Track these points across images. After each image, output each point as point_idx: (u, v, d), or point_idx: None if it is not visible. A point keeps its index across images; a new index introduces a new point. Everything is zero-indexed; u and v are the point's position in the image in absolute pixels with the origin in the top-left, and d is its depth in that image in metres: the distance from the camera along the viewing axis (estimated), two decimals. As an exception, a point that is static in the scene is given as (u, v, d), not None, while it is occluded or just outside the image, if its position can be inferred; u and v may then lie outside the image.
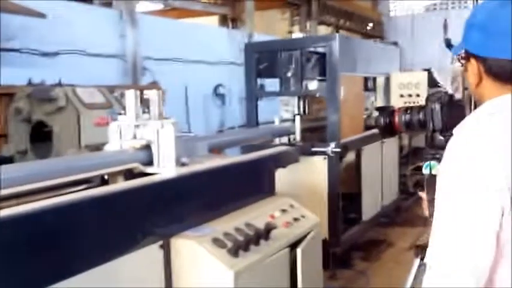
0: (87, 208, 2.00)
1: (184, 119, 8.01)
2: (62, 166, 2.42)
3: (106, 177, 2.55)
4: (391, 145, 5.35)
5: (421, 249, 2.50)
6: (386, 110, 2.44)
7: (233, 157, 3.13)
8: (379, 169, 5.31)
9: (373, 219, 5.22)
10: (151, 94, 2.70)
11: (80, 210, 1.96)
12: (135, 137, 2.62)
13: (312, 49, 4.82)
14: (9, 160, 4.77)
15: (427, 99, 2.24)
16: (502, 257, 1.24)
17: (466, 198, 1.24)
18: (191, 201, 2.49)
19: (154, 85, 7.14)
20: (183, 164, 2.59)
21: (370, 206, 5.08)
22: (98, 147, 4.16)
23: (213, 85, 9.58)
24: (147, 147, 2.60)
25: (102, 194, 2.12)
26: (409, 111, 2.31)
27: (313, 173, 4.26)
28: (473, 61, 1.39)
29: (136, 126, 2.62)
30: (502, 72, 1.33)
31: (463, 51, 1.44)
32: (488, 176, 1.22)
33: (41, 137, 4.86)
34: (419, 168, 6.29)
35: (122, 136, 2.66)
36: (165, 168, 2.56)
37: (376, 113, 5.92)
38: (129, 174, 2.57)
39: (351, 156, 4.73)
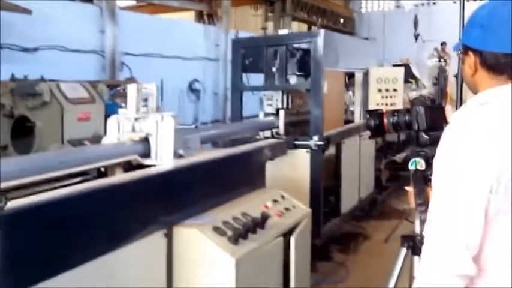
0: (97, 198, 2.07)
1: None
2: (60, 159, 2.44)
3: (102, 169, 2.61)
4: (367, 139, 5.51)
5: (407, 239, 2.65)
6: (375, 113, 2.62)
7: (228, 149, 3.22)
8: (357, 162, 5.46)
9: (351, 212, 5.34)
10: (150, 88, 2.77)
11: (89, 200, 2.02)
12: (134, 129, 2.68)
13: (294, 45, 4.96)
14: (-11, 155, 4.76)
15: (412, 103, 2.48)
16: (489, 232, 1.41)
17: (456, 181, 1.43)
18: (191, 191, 2.58)
19: (132, 80, 7.17)
20: (180, 156, 2.67)
21: (348, 199, 5.21)
22: (81, 142, 4.21)
23: (188, 80, 9.66)
24: (145, 139, 2.66)
25: (112, 183, 2.20)
26: (396, 114, 2.53)
27: (296, 166, 4.37)
28: (471, 54, 1.58)
29: (136, 119, 2.68)
30: (496, 64, 1.51)
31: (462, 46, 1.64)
32: (475, 160, 1.40)
33: (22, 132, 4.85)
34: (394, 163, 6.49)
35: (120, 129, 2.71)
36: (163, 160, 2.63)
37: (352, 107, 6.13)
38: (128, 166, 2.64)
39: (330, 150, 4.86)
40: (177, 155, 2.65)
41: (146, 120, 2.66)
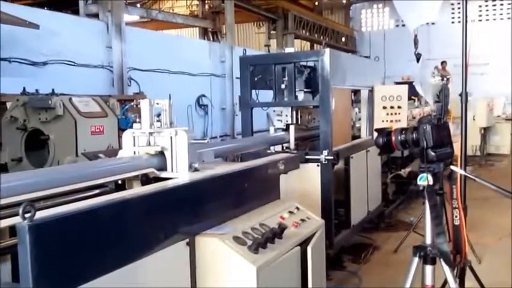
0: (123, 208, 2.14)
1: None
2: (80, 172, 2.51)
3: (120, 182, 2.67)
4: (374, 154, 5.62)
5: (418, 249, 2.74)
6: (384, 131, 2.74)
7: (245, 163, 3.30)
8: (365, 176, 5.58)
9: (361, 224, 5.46)
10: (162, 103, 2.83)
11: (116, 211, 2.09)
12: (149, 143, 2.76)
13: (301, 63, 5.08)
14: (3, 168, 4.83)
15: (419, 122, 2.59)
16: None
17: None
18: (211, 203, 2.65)
19: (141, 95, 7.28)
20: (196, 170, 2.74)
21: (358, 211, 5.33)
22: (96, 155, 4.30)
23: (195, 96, 9.80)
24: (161, 153, 2.74)
25: (138, 195, 2.25)
26: (403, 132, 2.64)
27: (307, 179, 4.47)
28: None
29: (150, 133, 2.76)
30: None
31: None
32: None
33: (36, 145, 4.93)
34: (399, 177, 6.60)
35: (135, 143, 2.79)
36: (178, 173, 2.70)
37: (359, 123, 6.24)
38: (145, 179, 2.70)
39: (338, 164, 4.96)
40: (192, 169, 2.73)
41: (160, 134, 2.75)
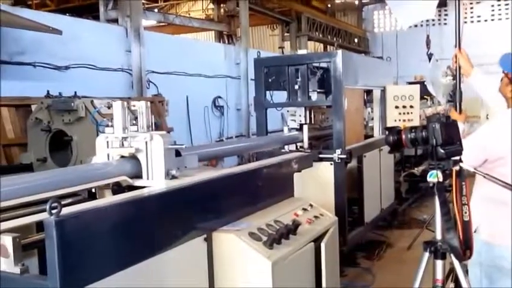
0: (139, 207, 2.23)
1: (186, 129, 8.56)
2: (54, 179, 2.38)
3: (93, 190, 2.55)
4: (387, 153, 5.71)
5: (429, 244, 2.82)
6: (394, 130, 2.81)
7: (260, 162, 3.42)
8: (378, 175, 5.68)
9: (374, 221, 5.56)
10: (139, 105, 2.59)
11: (134, 209, 2.19)
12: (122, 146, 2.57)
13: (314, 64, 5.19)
14: (29, 168, 5.02)
15: (428, 120, 2.74)
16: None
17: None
18: (228, 200, 2.77)
19: (158, 97, 7.46)
20: (173, 177, 2.54)
21: (371, 209, 5.44)
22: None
23: (211, 97, 9.97)
24: (136, 159, 2.56)
25: (158, 192, 2.36)
26: (413, 130, 2.70)
27: (321, 177, 4.59)
28: None
29: (125, 138, 2.55)
30: None
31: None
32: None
33: (60, 146, 5.11)
34: (412, 175, 6.65)
35: (109, 148, 2.60)
36: (153, 181, 2.52)
37: (372, 122, 6.31)
38: (117, 188, 2.55)
39: (351, 163, 5.06)
40: (169, 176, 2.54)
41: (135, 139, 2.55)
